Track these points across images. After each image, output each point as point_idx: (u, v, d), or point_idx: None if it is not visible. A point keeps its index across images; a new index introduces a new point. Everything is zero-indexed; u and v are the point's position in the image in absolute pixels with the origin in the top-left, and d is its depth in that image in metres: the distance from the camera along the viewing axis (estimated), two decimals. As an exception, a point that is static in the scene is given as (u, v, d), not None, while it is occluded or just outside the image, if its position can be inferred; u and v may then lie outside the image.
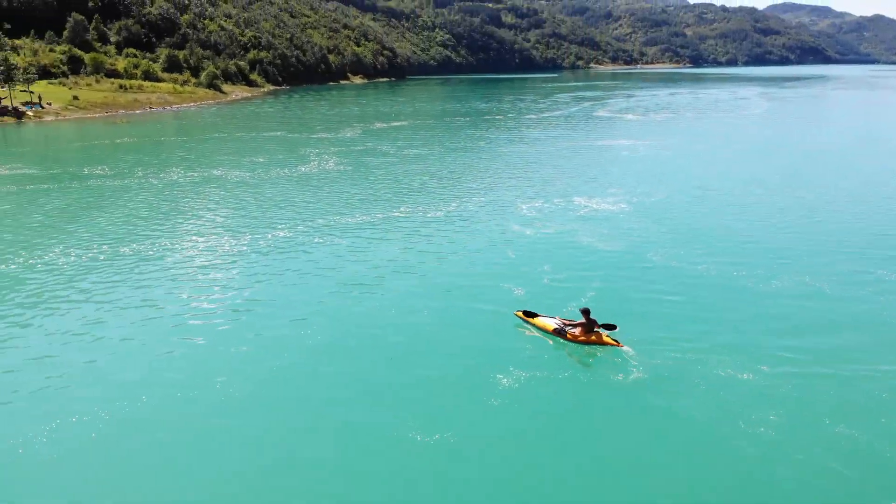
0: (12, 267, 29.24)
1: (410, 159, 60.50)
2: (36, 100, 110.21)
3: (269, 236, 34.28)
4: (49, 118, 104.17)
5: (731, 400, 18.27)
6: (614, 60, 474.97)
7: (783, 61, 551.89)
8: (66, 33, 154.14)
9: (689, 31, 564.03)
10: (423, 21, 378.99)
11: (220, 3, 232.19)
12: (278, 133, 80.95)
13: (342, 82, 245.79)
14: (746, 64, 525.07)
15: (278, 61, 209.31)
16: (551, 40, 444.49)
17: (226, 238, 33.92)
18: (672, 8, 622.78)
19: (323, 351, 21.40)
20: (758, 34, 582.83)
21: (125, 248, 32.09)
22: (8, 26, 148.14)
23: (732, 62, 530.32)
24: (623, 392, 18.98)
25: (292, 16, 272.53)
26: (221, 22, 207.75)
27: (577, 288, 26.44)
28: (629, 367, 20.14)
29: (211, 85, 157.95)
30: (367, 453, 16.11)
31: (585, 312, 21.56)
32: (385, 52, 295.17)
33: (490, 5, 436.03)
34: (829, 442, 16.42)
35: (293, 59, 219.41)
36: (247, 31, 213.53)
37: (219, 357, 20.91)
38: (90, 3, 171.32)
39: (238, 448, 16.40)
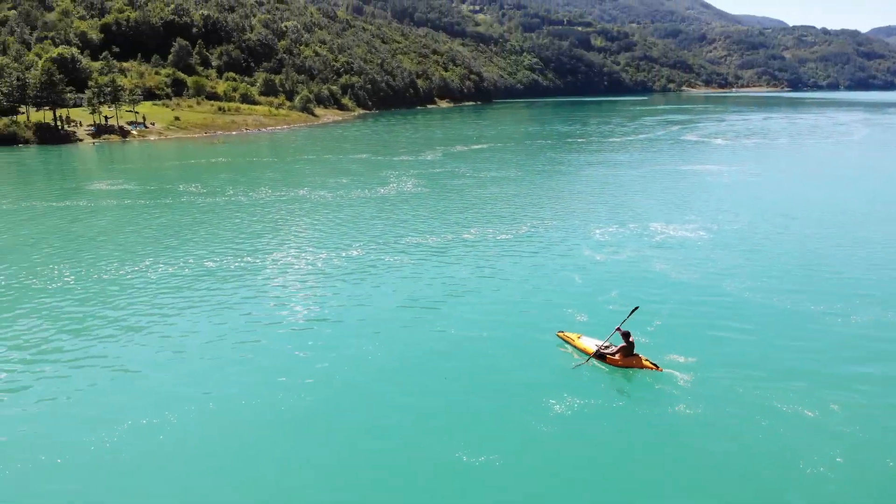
0: (105, 277, 31.35)
1: (486, 182, 60.93)
2: (140, 119, 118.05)
3: (343, 255, 35.31)
4: (152, 137, 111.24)
5: (787, 435, 17.42)
6: (708, 83, 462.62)
7: (888, 86, 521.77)
8: (170, 57, 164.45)
9: (787, 54, 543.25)
10: (512, 45, 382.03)
11: (316, 29, 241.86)
12: (363, 155, 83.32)
13: (429, 106, 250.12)
14: (849, 88, 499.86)
15: (368, 86, 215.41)
16: (642, 63, 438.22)
17: (301, 255, 35.17)
18: (770, 30, 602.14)
19: (381, 370, 21.83)
20: (860, 58, 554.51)
21: (209, 262, 33.80)
22: (117, 50, 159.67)
23: (834, 86, 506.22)
24: (662, 419, 18.57)
25: (384, 41, 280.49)
26: (316, 48, 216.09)
27: (643, 317, 25.84)
28: (668, 393, 19.73)
29: (304, 108, 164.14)
30: (410, 474, 16.35)
31: (626, 335, 21.34)
32: (472, 76, 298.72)
33: (579, 29, 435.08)
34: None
35: (383, 84, 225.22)
36: (340, 56, 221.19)
37: (280, 370, 21.69)
38: (194, 29, 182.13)
39: (285, 461, 16.96)
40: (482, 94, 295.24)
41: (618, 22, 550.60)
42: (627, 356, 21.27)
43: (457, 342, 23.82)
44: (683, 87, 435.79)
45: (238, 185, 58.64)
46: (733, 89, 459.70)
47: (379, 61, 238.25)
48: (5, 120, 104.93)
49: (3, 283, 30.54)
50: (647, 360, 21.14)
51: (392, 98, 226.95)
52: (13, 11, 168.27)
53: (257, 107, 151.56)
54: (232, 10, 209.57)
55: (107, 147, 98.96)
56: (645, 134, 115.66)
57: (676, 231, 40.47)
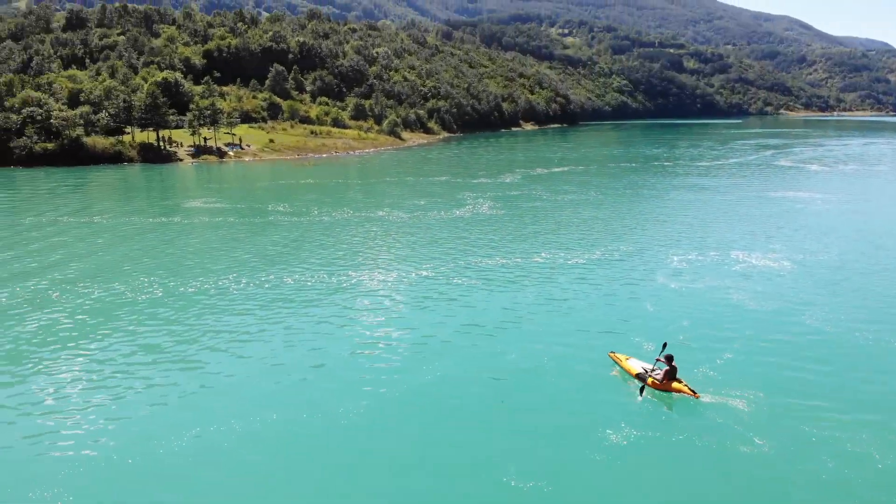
0: (189, 290, 33.22)
1: (563, 205, 60.59)
2: (237, 141, 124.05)
3: (413, 275, 36.00)
4: (247, 158, 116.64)
5: (839, 478, 16.52)
6: (807, 107, 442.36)
7: None
8: (267, 82, 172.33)
9: (893, 77, 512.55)
10: (601, 67, 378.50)
11: (406, 55, 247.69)
12: (443, 178, 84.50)
13: (513, 129, 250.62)
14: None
15: (454, 109, 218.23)
16: (737, 85, 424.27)
17: (374, 275, 36.09)
18: (874, 52, 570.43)
19: (440, 389, 22.18)
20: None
21: (288, 278, 35.22)
22: (218, 75, 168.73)
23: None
24: (699, 446, 18.36)
25: (471, 66, 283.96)
26: (405, 73, 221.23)
27: (713, 347, 25.15)
28: (706, 420, 19.65)
29: (391, 132, 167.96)
30: (467, 491, 16.58)
31: (668, 359, 21.55)
32: (559, 98, 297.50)
33: (671, 51, 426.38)
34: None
35: (468, 108, 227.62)
36: (428, 81, 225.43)
37: (344, 387, 22.42)
38: (290, 55, 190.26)
39: (348, 471, 17.54)
40: (568, 117, 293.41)
41: (712, 44, 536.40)
42: (669, 380, 21.46)
43: (517, 365, 23.91)
44: (781, 111, 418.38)
45: (322, 205, 60.72)
46: (834, 113, 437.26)
47: (465, 85, 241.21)
48: (112, 139, 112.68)
49: (104, 296, 32.85)
50: (686, 385, 21.20)
51: (477, 121, 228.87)
52: (122, 37, 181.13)
53: (347, 130, 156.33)
54: (326, 36, 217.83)
55: (205, 167, 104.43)
56: (735, 158, 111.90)
57: (759, 260, 39.00)
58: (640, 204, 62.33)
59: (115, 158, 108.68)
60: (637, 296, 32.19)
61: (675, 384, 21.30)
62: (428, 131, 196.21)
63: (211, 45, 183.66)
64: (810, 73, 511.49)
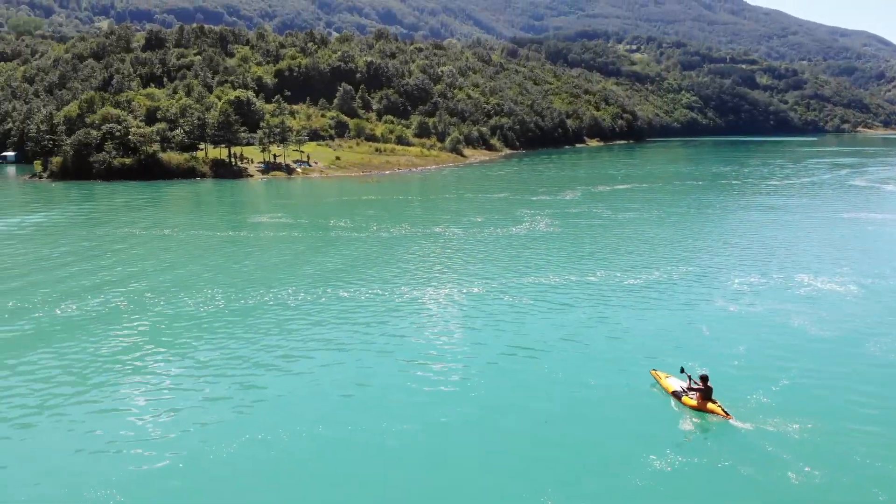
0: (250, 302, 34.38)
1: (623, 223, 59.82)
2: (305, 158, 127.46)
3: (465, 292, 36.23)
4: (314, 175, 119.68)
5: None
6: (886, 125, 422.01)
7: None
8: (335, 101, 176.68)
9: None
10: (669, 84, 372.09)
11: (470, 73, 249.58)
12: (502, 194, 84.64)
13: (578, 145, 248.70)
14: None
15: (517, 126, 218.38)
16: (812, 102, 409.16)
17: (426, 290, 36.48)
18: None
19: (484, 407, 22.29)
20: None
21: (343, 291, 36.01)
22: (288, 93, 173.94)
23: None
24: (743, 474, 17.96)
25: (535, 83, 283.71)
26: (469, 91, 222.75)
27: (768, 373, 24.40)
28: (754, 447, 19.31)
29: (454, 149, 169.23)
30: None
31: (704, 379, 21.60)
32: (625, 114, 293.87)
33: (743, 66, 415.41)
34: None
35: (531, 125, 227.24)
36: (491, 98, 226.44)
37: (390, 401, 22.87)
38: (358, 75, 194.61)
39: (392, 486, 17.86)
40: (635, 133, 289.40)
41: (786, 59, 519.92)
42: (703, 400, 21.50)
43: (563, 385, 23.83)
44: (859, 128, 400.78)
45: (382, 221, 61.77)
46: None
47: (529, 102, 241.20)
48: (186, 155, 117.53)
49: (169, 309, 34.38)
50: (720, 406, 21.12)
51: (540, 138, 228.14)
52: (198, 57, 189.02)
53: (411, 148, 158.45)
54: (393, 56, 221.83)
55: (274, 183, 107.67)
56: (808, 177, 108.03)
57: (824, 284, 37.56)
58: (703, 223, 60.94)
59: (188, 173, 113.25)
60: (693, 319, 31.50)
61: (709, 404, 21.36)
62: (490, 148, 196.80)
63: (282, 64, 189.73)
64: (890, 90, 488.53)
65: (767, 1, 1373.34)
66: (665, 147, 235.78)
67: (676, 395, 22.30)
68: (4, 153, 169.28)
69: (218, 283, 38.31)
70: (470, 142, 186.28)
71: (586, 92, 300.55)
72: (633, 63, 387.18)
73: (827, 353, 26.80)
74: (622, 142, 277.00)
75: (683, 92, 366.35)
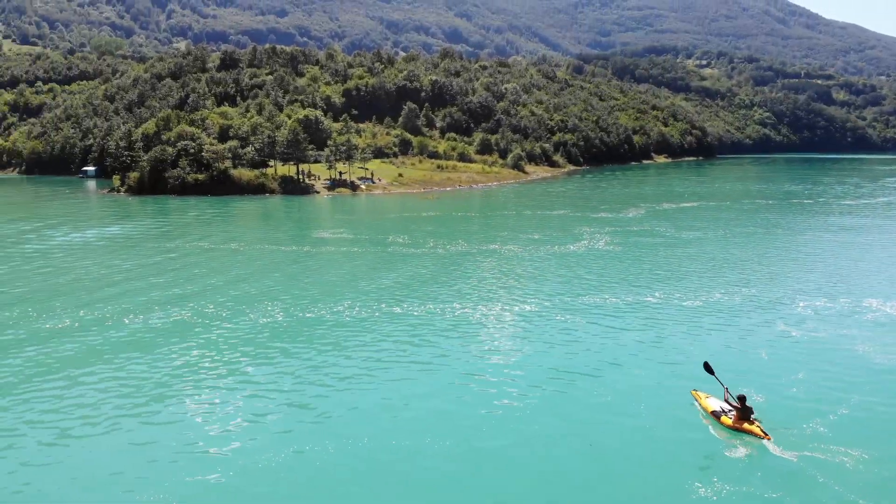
0: (308, 315, 35.25)
1: (686, 242, 58.42)
2: (369, 175, 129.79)
3: (516, 310, 36.13)
4: (377, 191, 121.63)
5: None
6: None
7: None
8: (400, 119, 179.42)
9: None
10: (741, 99, 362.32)
11: (535, 90, 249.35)
12: (562, 211, 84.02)
13: (644, 162, 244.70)
14: None
15: (581, 142, 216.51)
16: (892, 118, 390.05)
17: (477, 307, 36.53)
18: None
19: (529, 429, 22.16)
20: None
21: (396, 308, 36.52)
22: (355, 112, 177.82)
23: None
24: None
25: (601, 99, 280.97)
26: (533, 107, 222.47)
27: (827, 402, 23.42)
28: (776, 465, 19.43)
29: (515, 165, 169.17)
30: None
31: (741, 399, 21.66)
32: (694, 131, 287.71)
33: (819, 82, 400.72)
34: None
35: (596, 140, 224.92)
36: (555, 115, 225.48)
37: (435, 420, 23.08)
38: (422, 94, 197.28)
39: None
40: (704, 150, 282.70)
41: (864, 74, 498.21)
42: (741, 419, 21.49)
43: (611, 407, 23.48)
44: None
45: (439, 237, 62.29)
46: None
47: (594, 118, 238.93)
48: (256, 172, 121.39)
49: (231, 322, 35.60)
50: (759, 427, 21.11)
51: (605, 154, 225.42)
52: (270, 77, 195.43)
53: (472, 164, 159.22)
54: (458, 74, 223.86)
55: (339, 199, 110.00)
56: (885, 197, 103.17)
57: (895, 309, 35.78)
58: (770, 244, 58.89)
59: (258, 189, 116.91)
60: (753, 343, 30.52)
61: (746, 424, 21.34)
62: (553, 164, 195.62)
63: (350, 84, 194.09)
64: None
65: (844, 15, 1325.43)
66: (736, 164, 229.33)
67: (715, 415, 22.34)
68: (85, 168, 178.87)
69: (278, 298, 39.42)
70: (532, 158, 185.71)
71: (654, 108, 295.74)
72: (702, 78, 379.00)
73: (893, 384, 25.50)
74: (691, 158, 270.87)
75: (756, 108, 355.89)
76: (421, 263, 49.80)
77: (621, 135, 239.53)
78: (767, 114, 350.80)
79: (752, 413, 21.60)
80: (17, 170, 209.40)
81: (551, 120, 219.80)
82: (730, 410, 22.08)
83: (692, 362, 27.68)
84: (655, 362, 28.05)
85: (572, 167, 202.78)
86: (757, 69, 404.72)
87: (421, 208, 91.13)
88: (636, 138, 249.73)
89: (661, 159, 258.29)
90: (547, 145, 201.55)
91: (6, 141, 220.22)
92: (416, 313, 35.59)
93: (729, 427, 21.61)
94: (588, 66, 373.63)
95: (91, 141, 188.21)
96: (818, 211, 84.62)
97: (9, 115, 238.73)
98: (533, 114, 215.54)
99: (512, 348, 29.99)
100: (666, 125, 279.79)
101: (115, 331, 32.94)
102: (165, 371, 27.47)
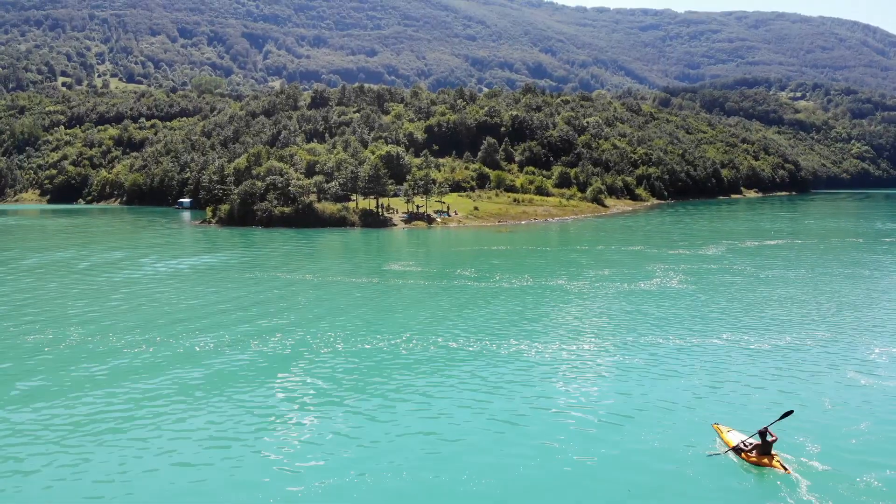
0: (365, 346, 36.19)
1: (764, 282, 56.11)
2: (445, 209, 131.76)
3: (573, 348, 35.76)
4: (452, 224, 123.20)
5: None
6: None
7: None
8: (480, 153, 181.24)
9: None
10: (837, 133, 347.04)
11: (618, 123, 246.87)
12: (637, 247, 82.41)
13: (733, 196, 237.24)
14: None
15: (666, 176, 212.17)
16: None
17: (533, 344, 36.35)
18: None
19: (567, 474, 22.04)
20: None
21: (452, 342, 36.91)
22: (436, 148, 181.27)
23: None
24: None
25: (688, 132, 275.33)
26: (615, 140, 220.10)
27: (884, 457, 22.13)
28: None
29: (594, 199, 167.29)
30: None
31: (762, 434, 21.70)
32: (787, 165, 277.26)
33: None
34: None
35: (682, 174, 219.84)
36: (639, 148, 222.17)
37: (469, 455, 23.31)
38: (502, 129, 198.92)
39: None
40: (797, 184, 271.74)
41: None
42: (762, 454, 21.61)
43: (654, 453, 22.96)
44: None
45: (505, 270, 62.47)
46: None
47: (680, 152, 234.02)
48: (339, 205, 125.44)
49: (288, 349, 37.07)
50: (779, 460, 21.33)
51: (691, 188, 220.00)
52: (357, 115, 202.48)
53: (549, 198, 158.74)
54: (539, 109, 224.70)
55: (415, 232, 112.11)
56: None
57: None
58: (852, 286, 55.75)
59: (339, 222, 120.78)
60: (818, 389, 29.05)
61: (765, 459, 21.54)
62: (635, 198, 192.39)
63: (432, 120, 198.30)
64: None
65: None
66: (830, 199, 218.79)
67: (736, 450, 22.29)
68: (181, 199, 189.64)
69: (336, 326, 40.68)
70: (613, 192, 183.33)
71: (744, 141, 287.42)
72: (796, 111, 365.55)
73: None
74: (783, 193, 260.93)
75: (854, 141, 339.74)
76: (482, 296, 50.02)
77: (708, 168, 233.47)
78: (866, 147, 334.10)
79: (772, 447, 21.69)
80: (119, 200, 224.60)
81: (634, 153, 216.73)
82: (750, 445, 22.03)
83: (757, 407, 26.69)
84: (717, 403, 27.17)
85: (656, 201, 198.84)
86: (854, 101, 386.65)
87: (493, 241, 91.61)
88: (724, 172, 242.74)
89: (751, 194, 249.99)
90: (629, 178, 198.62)
91: (110, 173, 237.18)
92: (469, 348, 35.79)
93: (751, 461, 21.69)
94: (675, 99, 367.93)
95: (188, 174, 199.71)
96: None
97: (113, 148, 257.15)
98: (615, 147, 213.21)
99: (562, 387, 29.65)
100: (756, 159, 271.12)
101: (179, 352, 34.92)
102: (220, 390, 28.90)
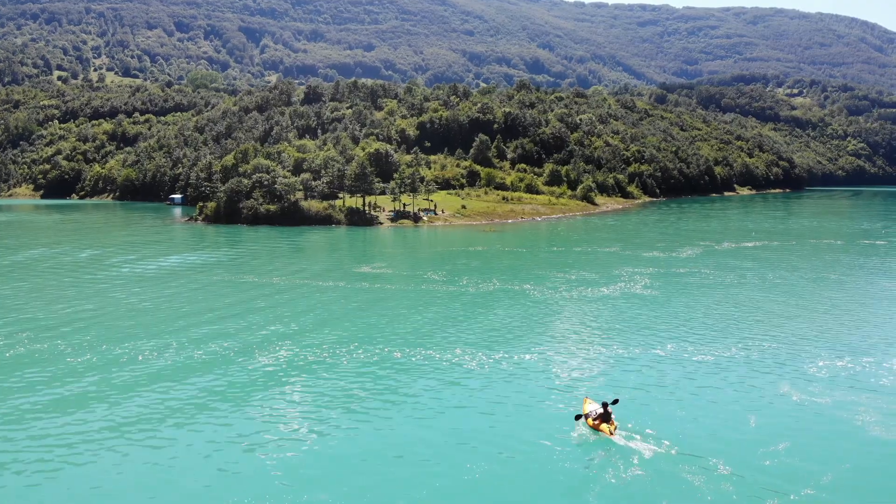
0: (289, 351, 36.47)
1: (725, 287, 55.90)
2: (432, 207, 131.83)
3: (514, 358, 35.90)
4: (438, 223, 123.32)
5: None
6: None
7: None
8: (472, 150, 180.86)
9: None
10: (833, 129, 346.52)
11: (612, 120, 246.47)
12: (613, 248, 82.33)
13: (726, 193, 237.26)
14: None
15: (658, 174, 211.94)
16: None
17: (475, 354, 36.42)
18: None
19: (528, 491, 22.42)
20: None
21: (397, 353, 37.16)
22: (428, 144, 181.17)
23: None
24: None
25: (682, 129, 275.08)
26: (608, 138, 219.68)
27: (793, 482, 22.42)
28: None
29: (584, 197, 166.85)
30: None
31: (605, 405, 26.38)
32: (781, 162, 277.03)
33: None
34: None
35: (675, 172, 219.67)
36: (632, 145, 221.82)
37: (420, 464, 23.65)
38: (495, 125, 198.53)
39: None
40: (792, 182, 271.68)
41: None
42: (602, 421, 26.10)
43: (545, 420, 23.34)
44: None
45: (474, 274, 62.46)
46: None
47: (674, 149, 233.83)
48: (325, 203, 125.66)
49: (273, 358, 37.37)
50: (610, 428, 25.76)
51: (683, 185, 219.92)
52: (349, 111, 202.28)
53: (539, 196, 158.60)
54: (532, 106, 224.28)
55: (400, 231, 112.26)
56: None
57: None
58: (814, 291, 55.42)
59: (325, 220, 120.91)
60: (745, 405, 29.05)
61: (602, 425, 26.00)
62: (627, 196, 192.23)
63: (424, 117, 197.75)
64: None
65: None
66: (823, 197, 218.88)
67: (586, 417, 26.81)
68: (172, 196, 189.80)
69: (280, 334, 40.97)
70: (604, 189, 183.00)
71: (738, 138, 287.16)
72: (793, 108, 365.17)
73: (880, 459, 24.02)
74: (777, 190, 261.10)
75: (850, 138, 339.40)
76: (443, 303, 50.11)
77: (702, 166, 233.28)
78: (862, 145, 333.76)
79: (611, 417, 26.17)
80: (112, 195, 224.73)
81: (627, 150, 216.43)
82: (595, 414, 26.47)
83: (679, 425, 27.02)
84: (632, 416, 27.51)
85: (648, 199, 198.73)
86: (852, 98, 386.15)
87: (473, 242, 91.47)
88: (718, 169, 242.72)
89: (745, 191, 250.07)
90: (621, 176, 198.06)
91: (103, 168, 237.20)
92: (415, 359, 35.83)
93: (591, 426, 26.41)
94: (671, 96, 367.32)
95: (180, 170, 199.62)
96: (890, 254, 79.70)
97: (107, 143, 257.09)
98: (608, 144, 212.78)
99: (501, 391, 30.05)
100: (751, 156, 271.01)
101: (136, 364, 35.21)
102: (186, 397, 29.23)
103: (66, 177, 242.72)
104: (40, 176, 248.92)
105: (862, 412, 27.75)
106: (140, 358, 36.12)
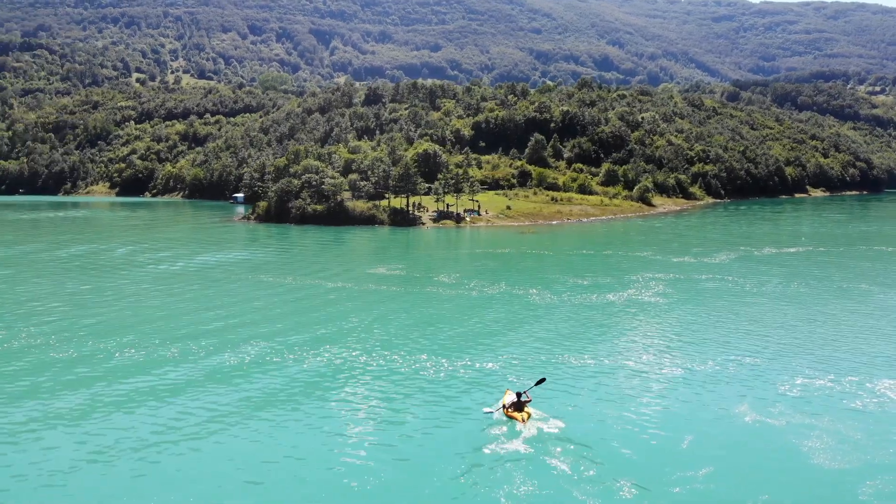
0: (281, 355, 37.39)
1: (743, 296, 53.57)
2: (476, 207, 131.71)
3: (500, 362, 35.69)
4: (480, 224, 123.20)
5: None
6: None
7: None
8: (526, 150, 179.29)
9: None
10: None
11: (676, 119, 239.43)
12: (644, 253, 79.59)
13: (798, 195, 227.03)
14: None
15: (724, 174, 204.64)
16: None
17: (462, 360, 36.35)
18: None
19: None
20: None
21: (397, 356, 37.62)
22: (483, 144, 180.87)
23: None
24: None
25: (752, 128, 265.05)
26: (671, 137, 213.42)
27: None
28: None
29: (641, 198, 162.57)
30: None
31: (518, 395, 27.91)
32: (859, 163, 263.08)
33: None
34: None
35: (742, 172, 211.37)
36: (696, 144, 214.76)
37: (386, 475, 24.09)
38: (552, 124, 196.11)
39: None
40: (869, 184, 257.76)
41: None
42: (516, 410, 27.65)
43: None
44: None
45: (485, 277, 61.88)
46: None
47: (741, 148, 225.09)
48: (369, 204, 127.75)
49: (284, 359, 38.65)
50: (523, 416, 27.30)
51: (751, 186, 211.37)
52: (406, 111, 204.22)
53: (591, 196, 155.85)
54: (592, 104, 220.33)
55: (442, 231, 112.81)
56: None
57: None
58: (827, 303, 51.84)
59: (369, 220, 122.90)
60: (686, 420, 28.05)
61: (517, 414, 27.49)
62: (688, 197, 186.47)
63: (480, 117, 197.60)
64: None
65: None
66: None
67: (504, 406, 28.04)
68: (235, 195, 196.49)
69: (294, 333, 41.93)
70: (664, 190, 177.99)
71: (813, 137, 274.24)
72: (874, 106, 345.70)
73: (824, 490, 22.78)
74: (853, 192, 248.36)
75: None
76: (445, 307, 50.25)
77: (771, 166, 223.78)
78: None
79: (524, 407, 27.62)
80: (181, 194, 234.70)
81: (691, 150, 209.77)
82: (510, 403, 27.85)
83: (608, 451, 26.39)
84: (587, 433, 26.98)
85: (711, 200, 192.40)
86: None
87: (505, 243, 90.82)
88: (789, 170, 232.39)
89: (818, 193, 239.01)
90: (683, 176, 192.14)
91: (174, 167, 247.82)
92: (397, 366, 36.23)
93: (507, 415, 27.73)
94: (744, 93, 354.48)
95: (245, 169, 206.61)
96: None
97: (179, 143, 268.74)
98: (670, 143, 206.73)
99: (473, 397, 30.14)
100: (825, 156, 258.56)
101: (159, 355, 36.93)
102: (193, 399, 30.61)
103: (140, 175, 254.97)
104: (116, 174, 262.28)
105: (814, 437, 26.06)
106: (202, 353, 37.88)
